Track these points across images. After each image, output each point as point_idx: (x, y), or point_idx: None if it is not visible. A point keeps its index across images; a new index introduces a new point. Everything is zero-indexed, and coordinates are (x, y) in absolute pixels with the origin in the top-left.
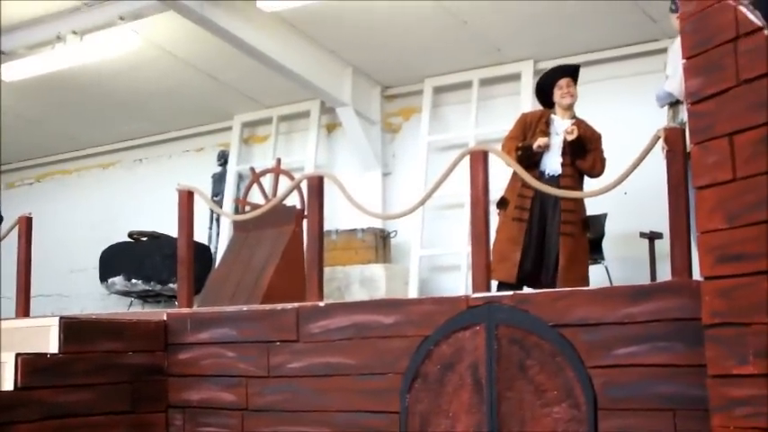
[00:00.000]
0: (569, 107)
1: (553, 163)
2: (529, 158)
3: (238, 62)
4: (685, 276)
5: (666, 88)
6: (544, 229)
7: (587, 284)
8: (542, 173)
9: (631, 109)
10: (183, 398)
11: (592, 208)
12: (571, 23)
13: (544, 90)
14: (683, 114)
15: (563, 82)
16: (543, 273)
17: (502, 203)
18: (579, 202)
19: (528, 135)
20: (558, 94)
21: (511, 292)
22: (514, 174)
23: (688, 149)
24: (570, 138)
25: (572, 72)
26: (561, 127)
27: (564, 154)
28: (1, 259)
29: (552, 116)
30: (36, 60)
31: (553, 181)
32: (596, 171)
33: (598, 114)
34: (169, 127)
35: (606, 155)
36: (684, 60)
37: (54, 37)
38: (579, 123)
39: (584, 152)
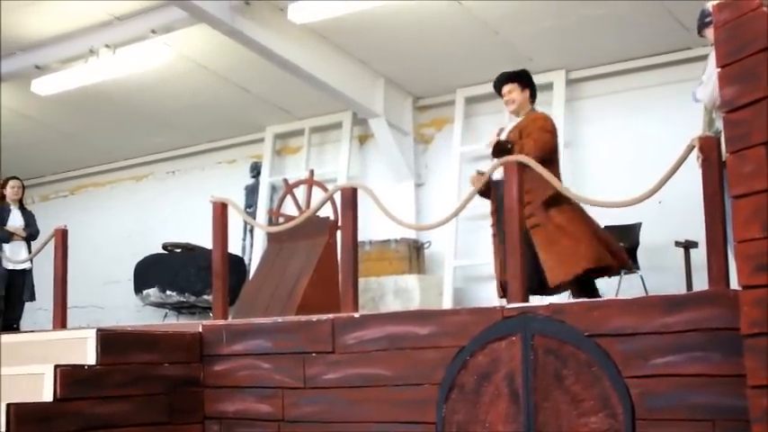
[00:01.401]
0: (515, 113)
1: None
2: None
3: (270, 74)
4: (722, 286)
5: (698, 95)
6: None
7: (581, 257)
8: (494, 181)
9: (664, 118)
10: (219, 409)
11: (626, 217)
12: (602, 32)
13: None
14: (719, 123)
15: (505, 89)
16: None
17: None
18: (535, 192)
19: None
20: (504, 102)
21: (546, 302)
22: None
23: (724, 158)
24: (489, 150)
25: (511, 78)
26: (504, 133)
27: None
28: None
29: (507, 124)
30: (69, 74)
31: (501, 185)
32: (529, 155)
33: (630, 123)
34: (201, 139)
35: (638, 164)
36: (719, 69)
37: (87, 51)
38: (517, 126)
39: (507, 152)
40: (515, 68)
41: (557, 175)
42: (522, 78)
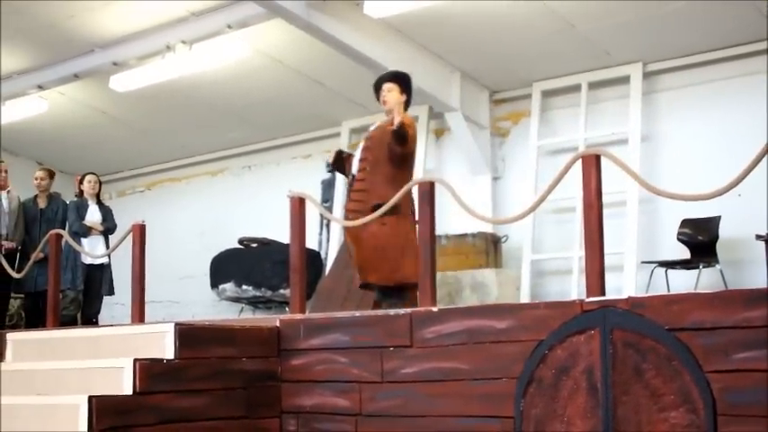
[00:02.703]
0: (389, 112)
1: (355, 164)
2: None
3: (346, 68)
4: None
5: None
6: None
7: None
8: (353, 176)
9: (743, 109)
10: (297, 403)
11: (705, 211)
12: (679, 24)
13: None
14: None
15: (385, 87)
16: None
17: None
18: (368, 192)
19: None
20: (380, 101)
21: (626, 296)
22: None
23: None
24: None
25: (394, 78)
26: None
27: (362, 151)
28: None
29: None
30: (146, 71)
31: (354, 180)
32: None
33: (708, 115)
34: (277, 134)
35: (717, 157)
36: None
37: (163, 47)
38: (382, 124)
39: (342, 160)
40: (591, 62)
41: (405, 182)
42: (403, 82)
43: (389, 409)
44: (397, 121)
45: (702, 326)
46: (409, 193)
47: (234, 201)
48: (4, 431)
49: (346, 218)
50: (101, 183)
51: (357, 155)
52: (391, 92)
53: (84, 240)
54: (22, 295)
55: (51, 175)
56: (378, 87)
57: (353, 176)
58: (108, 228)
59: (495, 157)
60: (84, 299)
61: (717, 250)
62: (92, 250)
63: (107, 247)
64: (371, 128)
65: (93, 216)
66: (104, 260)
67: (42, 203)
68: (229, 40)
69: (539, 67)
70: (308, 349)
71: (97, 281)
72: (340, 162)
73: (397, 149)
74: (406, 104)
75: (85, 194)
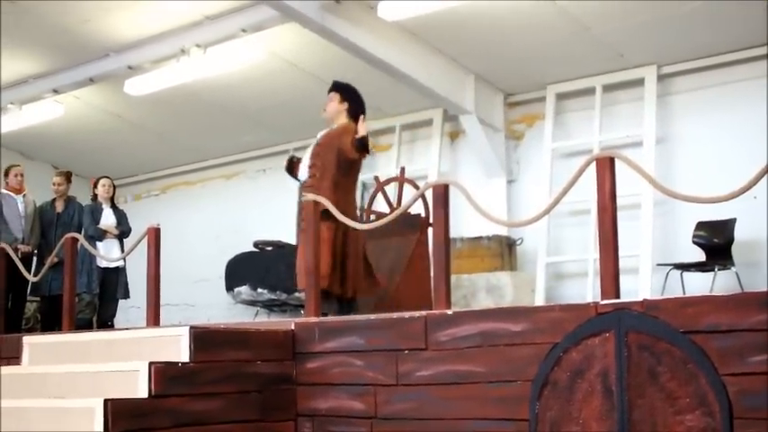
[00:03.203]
0: (328, 120)
1: (303, 170)
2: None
3: (360, 71)
4: None
5: None
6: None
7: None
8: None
9: (758, 111)
10: (312, 406)
11: (720, 213)
12: (694, 26)
13: None
14: None
15: (328, 96)
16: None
17: None
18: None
19: None
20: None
21: (641, 299)
22: None
23: None
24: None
25: (335, 88)
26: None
27: (311, 158)
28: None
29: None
30: (161, 74)
31: (302, 186)
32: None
33: (723, 118)
34: (292, 137)
35: (732, 159)
36: None
37: (178, 51)
38: (329, 132)
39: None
40: (605, 64)
41: (351, 190)
42: (344, 92)
43: (404, 412)
44: (362, 131)
45: (718, 328)
46: (353, 200)
47: (249, 204)
48: None
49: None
50: (115, 186)
51: (305, 161)
52: (332, 101)
53: (99, 244)
54: (38, 299)
55: (68, 178)
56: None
57: (303, 182)
58: (123, 231)
59: (509, 160)
60: (99, 302)
61: (732, 252)
62: (107, 254)
63: (122, 250)
64: (319, 135)
65: (107, 219)
66: (120, 263)
67: (59, 207)
68: (244, 44)
69: (553, 69)
70: (323, 352)
71: (113, 284)
72: (291, 167)
73: (355, 156)
74: (356, 113)
75: (99, 198)
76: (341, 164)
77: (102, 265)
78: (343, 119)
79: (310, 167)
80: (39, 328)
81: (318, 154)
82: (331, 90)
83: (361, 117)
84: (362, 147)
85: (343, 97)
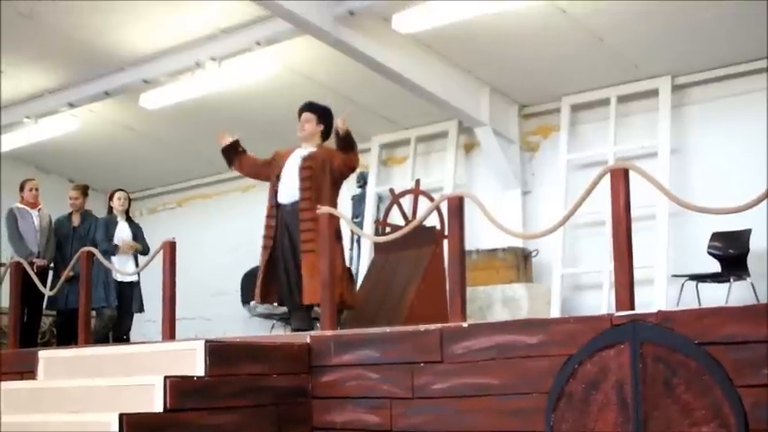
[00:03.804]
0: (305, 139)
1: (291, 189)
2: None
3: (375, 84)
4: None
5: None
6: (289, 252)
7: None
8: (279, 204)
9: None
10: (328, 419)
11: (735, 224)
12: (709, 37)
13: None
14: None
15: (303, 117)
16: (290, 291)
17: None
18: (317, 221)
19: (274, 170)
20: (299, 127)
21: (656, 310)
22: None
23: None
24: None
25: (311, 109)
26: (297, 159)
27: (302, 179)
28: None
29: (296, 150)
30: (176, 88)
31: (292, 207)
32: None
33: (738, 128)
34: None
35: (747, 170)
36: None
37: (193, 64)
38: (314, 154)
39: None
40: (619, 75)
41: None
42: (320, 114)
43: (420, 425)
44: (342, 128)
45: (733, 340)
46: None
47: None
48: None
49: (303, 248)
50: (130, 199)
51: (291, 182)
52: (309, 122)
53: (113, 258)
54: (54, 313)
55: (85, 192)
56: (299, 114)
57: (291, 203)
58: (142, 251)
59: (524, 172)
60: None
61: (748, 263)
62: (121, 268)
63: (137, 264)
64: (302, 155)
65: (122, 233)
66: (134, 278)
67: (76, 221)
68: (258, 57)
69: (568, 80)
70: (339, 365)
71: (128, 298)
72: (232, 151)
73: (352, 158)
74: (325, 135)
75: (115, 211)
76: (335, 183)
77: (118, 279)
78: (317, 139)
79: (304, 189)
80: (54, 342)
81: (311, 177)
82: (306, 110)
83: (342, 117)
84: (349, 143)
85: (319, 120)
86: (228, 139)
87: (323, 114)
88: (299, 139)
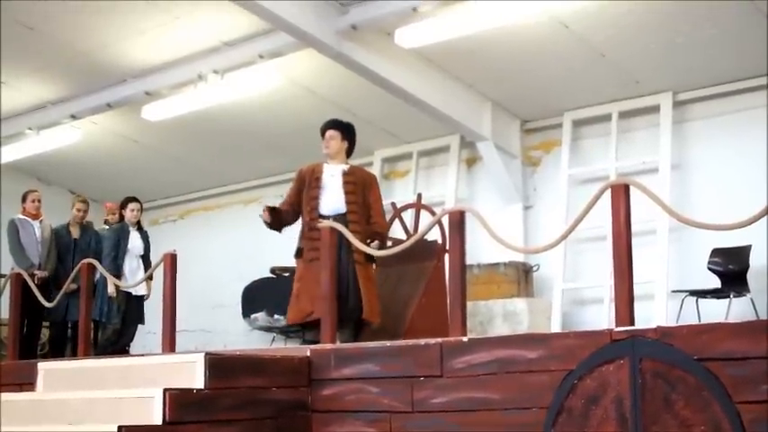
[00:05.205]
0: (331, 156)
1: (336, 202)
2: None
3: (377, 98)
4: None
5: None
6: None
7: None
8: (323, 216)
9: None
10: None
11: (736, 240)
12: (710, 53)
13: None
14: None
15: (327, 134)
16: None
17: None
18: (363, 236)
19: (305, 188)
20: (323, 146)
21: (655, 326)
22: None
23: None
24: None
25: (336, 126)
26: (333, 170)
27: (347, 193)
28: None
29: (324, 165)
30: (178, 100)
31: (340, 219)
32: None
33: (739, 145)
34: (309, 163)
35: (747, 186)
36: None
37: (195, 76)
38: (352, 170)
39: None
40: (621, 91)
41: None
42: (345, 131)
43: None
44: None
45: (732, 356)
46: None
47: (266, 230)
48: None
49: (356, 260)
50: (142, 209)
51: (336, 194)
52: (334, 139)
53: (126, 268)
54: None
55: (88, 205)
56: (323, 132)
57: (337, 214)
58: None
59: (526, 187)
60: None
61: (748, 279)
62: (132, 278)
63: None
64: (342, 170)
65: (134, 242)
66: (144, 291)
67: (75, 233)
68: (261, 70)
69: (569, 96)
70: (339, 379)
71: (133, 311)
72: (275, 220)
73: (383, 226)
74: (351, 152)
75: (127, 221)
76: (365, 206)
77: (127, 291)
78: (342, 156)
79: (350, 203)
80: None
81: (354, 192)
82: (331, 128)
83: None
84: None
85: (343, 135)
86: (267, 214)
87: (346, 131)
88: (325, 155)
